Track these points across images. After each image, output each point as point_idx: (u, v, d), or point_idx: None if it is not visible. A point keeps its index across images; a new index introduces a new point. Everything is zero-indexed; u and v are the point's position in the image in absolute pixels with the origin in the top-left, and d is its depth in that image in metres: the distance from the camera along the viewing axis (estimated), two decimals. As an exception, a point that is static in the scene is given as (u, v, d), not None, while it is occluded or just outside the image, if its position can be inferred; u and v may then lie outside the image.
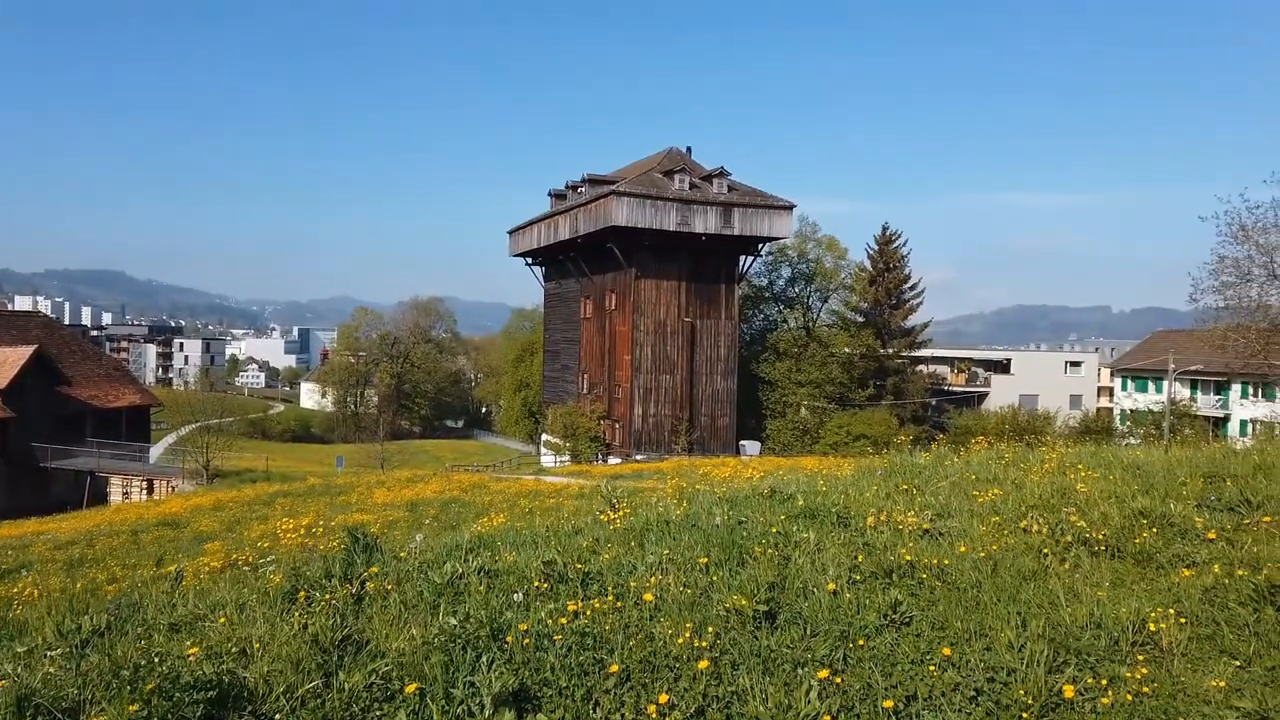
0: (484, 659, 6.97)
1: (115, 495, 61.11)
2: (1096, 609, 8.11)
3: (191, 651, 7.20)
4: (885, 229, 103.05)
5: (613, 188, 78.15)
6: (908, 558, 9.35)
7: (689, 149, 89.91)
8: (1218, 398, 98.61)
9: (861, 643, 7.51)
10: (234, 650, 7.32)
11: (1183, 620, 7.82)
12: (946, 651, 7.29)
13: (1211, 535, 10.12)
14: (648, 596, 8.29)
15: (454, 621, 7.59)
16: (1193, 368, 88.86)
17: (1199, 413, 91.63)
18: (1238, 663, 7.29)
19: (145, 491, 60.78)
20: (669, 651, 7.23)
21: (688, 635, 7.30)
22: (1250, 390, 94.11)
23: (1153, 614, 7.78)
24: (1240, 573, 8.65)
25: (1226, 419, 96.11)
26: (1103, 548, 10.01)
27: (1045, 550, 9.90)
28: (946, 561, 9.36)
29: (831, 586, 8.61)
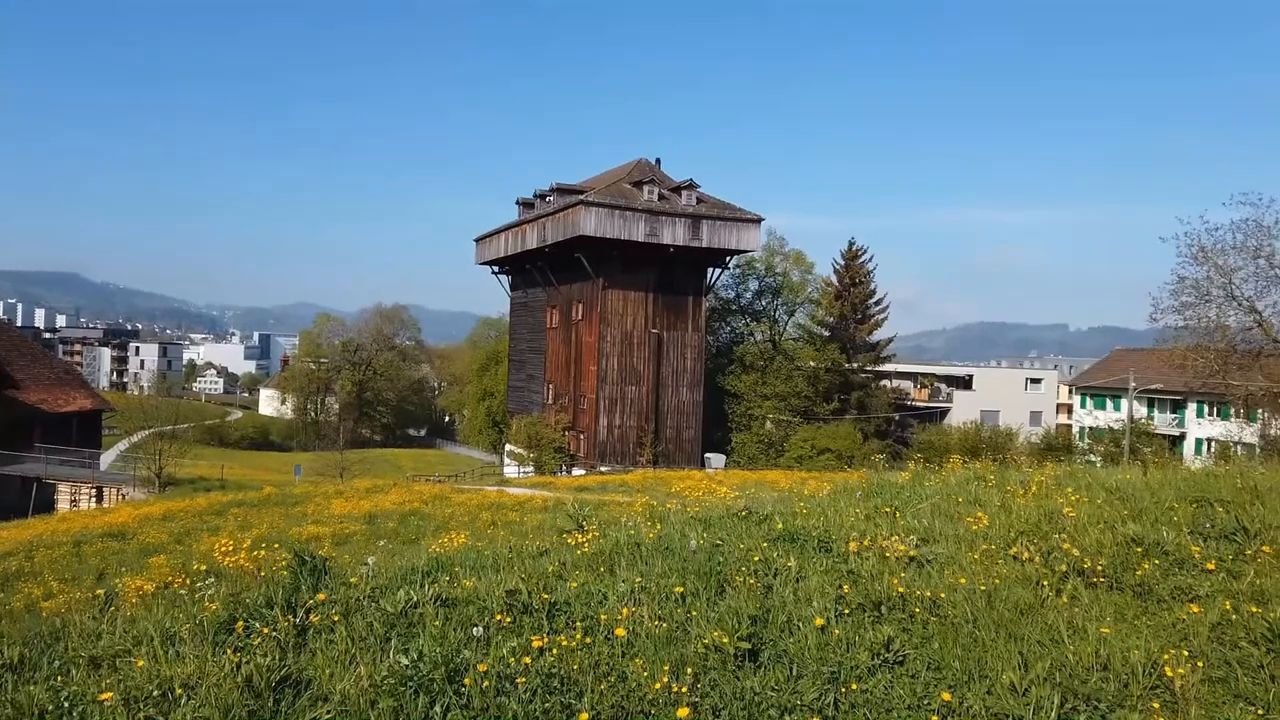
0: (438, 705, 6.31)
1: (63, 503, 59.96)
2: (1102, 648, 7.53)
3: (105, 696, 6.47)
4: (851, 244, 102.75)
5: (581, 197, 77.85)
6: (900, 589, 8.74)
7: (658, 160, 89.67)
8: (1174, 416, 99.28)
9: (855, 686, 6.89)
10: (156, 694, 6.59)
11: (1194, 662, 7.23)
12: (946, 696, 6.71)
13: (1210, 566, 9.58)
14: (620, 631, 7.62)
15: (406, 661, 6.88)
16: (1152, 386, 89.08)
17: (1157, 431, 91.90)
18: (1255, 709, 6.75)
19: (94, 499, 59.71)
20: (644, 695, 6.59)
21: (666, 678, 6.64)
22: (1206, 410, 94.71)
23: (1165, 655, 7.20)
24: (1251, 609, 8.11)
25: (1182, 437, 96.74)
26: (1100, 579, 9.46)
27: (1043, 581, 9.29)
28: (943, 594, 8.74)
29: (820, 621, 7.95)
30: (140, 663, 7.24)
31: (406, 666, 6.80)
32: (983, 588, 9.00)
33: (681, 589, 8.84)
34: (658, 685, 6.58)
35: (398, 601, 8.44)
